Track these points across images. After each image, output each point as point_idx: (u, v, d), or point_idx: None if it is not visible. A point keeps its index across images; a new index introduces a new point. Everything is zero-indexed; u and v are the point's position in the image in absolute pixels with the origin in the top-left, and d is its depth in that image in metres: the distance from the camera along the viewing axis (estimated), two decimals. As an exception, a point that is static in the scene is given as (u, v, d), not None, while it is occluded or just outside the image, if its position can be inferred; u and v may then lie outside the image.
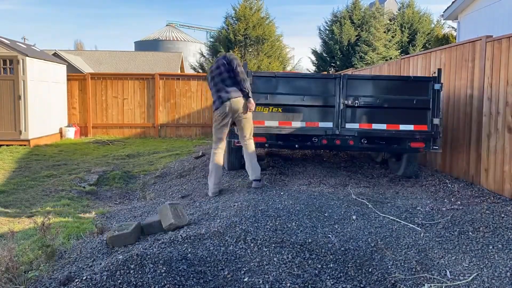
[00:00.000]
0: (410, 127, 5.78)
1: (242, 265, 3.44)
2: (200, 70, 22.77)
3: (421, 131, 5.77)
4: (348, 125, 5.75)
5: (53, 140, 11.85)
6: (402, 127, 5.79)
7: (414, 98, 5.76)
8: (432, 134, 5.74)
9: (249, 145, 5.51)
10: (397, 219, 4.46)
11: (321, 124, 5.77)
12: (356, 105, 5.70)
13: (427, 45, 23.62)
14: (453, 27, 19.85)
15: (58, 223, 4.76)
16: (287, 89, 5.77)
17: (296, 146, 5.96)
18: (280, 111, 5.73)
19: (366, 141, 5.85)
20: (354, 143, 5.83)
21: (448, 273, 3.40)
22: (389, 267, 3.49)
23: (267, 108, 5.72)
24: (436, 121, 5.72)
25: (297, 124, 5.74)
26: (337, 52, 24.04)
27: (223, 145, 5.52)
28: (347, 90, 5.71)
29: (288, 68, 24.48)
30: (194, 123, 13.77)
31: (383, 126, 5.78)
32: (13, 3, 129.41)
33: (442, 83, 5.80)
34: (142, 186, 7.21)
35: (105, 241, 3.94)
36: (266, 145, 5.93)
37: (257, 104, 5.68)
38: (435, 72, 5.89)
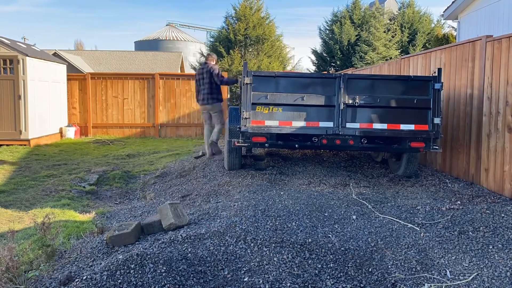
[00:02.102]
0: (411, 127, 5.78)
1: (242, 265, 3.44)
2: (200, 70, 22.73)
3: (422, 131, 5.77)
4: (348, 125, 5.74)
5: (53, 140, 11.85)
6: (403, 126, 5.78)
7: (415, 97, 5.76)
8: (433, 134, 5.74)
9: None
10: (397, 219, 4.46)
11: (322, 124, 5.76)
12: (356, 104, 5.70)
13: (427, 45, 23.62)
14: (453, 27, 19.84)
15: (58, 222, 4.76)
16: (287, 89, 5.76)
17: (296, 146, 5.96)
18: (281, 111, 5.72)
19: (366, 141, 5.85)
20: (354, 143, 5.83)
21: (448, 273, 3.41)
22: (389, 266, 3.49)
23: (267, 108, 5.72)
24: (437, 120, 5.71)
25: (297, 123, 5.74)
26: (337, 52, 24.04)
27: None
28: (347, 89, 5.71)
29: (288, 68, 24.46)
30: (194, 123, 13.77)
31: (384, 126, 5.78)
32: (19, 4, 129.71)
33: (442, 83, 5.80)
34: (142, 186, 7.21)
35: (105, 241, 3.94)
36: (266, 145, 5.94)
37: (257, 104, 5.68)
38: (435, 72, 5.89)
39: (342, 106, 5.69)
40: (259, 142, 5.84)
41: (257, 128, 5.66)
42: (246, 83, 5.63)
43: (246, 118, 5.64)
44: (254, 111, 5.67)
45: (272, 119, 5.72)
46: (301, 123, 5.73)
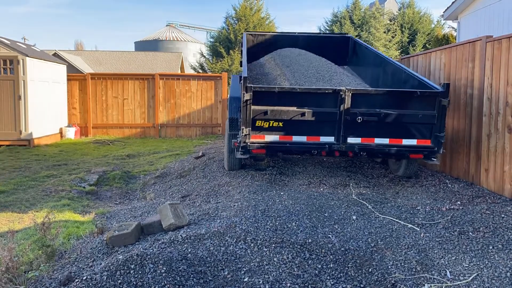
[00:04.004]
0: (413, 142, 5.61)
1: (242, 265, 3.44)
2: (200, 70, 22.77)
3: (424, 146, 5.60)
4: (350, 140, 5.55)
5: (53, 140, 11.85)
6: (405, 141, 5.60)
7: (420, 112, 5.53)
8: (434, 150, 5.59)
9: None
10: (397, 219, 4.46)
11: (322, 139, 5.58)
12: (359, 120, 5.47)
13: (427, 45, 23.63)
14: (453, 27, 19.85)
15: (58, 223, 4.76)
16: (288, 103, 5.52)
17: (295, 155, 5.95)
18: (281, 125, 5.51)
19: (365, 153, 5.73)
20: (353, 154, 5.76)
21: (448, 273, 3.41)
22: (389, 267, 3.49)
23: (267, 123, 5.49)
24: (440, 136, 5.54)
25: (298, 138, 5.55)
26: (337, 52, 24.02)
27: None
28: (349, 104, 5.47)
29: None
30: (194, 123, 13.77)
31: (385, 141, 5.59)
32: (30, 4, 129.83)
33: (449, 99, 5.59)
34: (142, 186, 7.21)
35: (105, 241, 3.94)
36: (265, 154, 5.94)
37: (257, 119, 5.46)
38: (441, 84, 5.68)
39: (343, 121, 5.48)
40: (259, 153, 5.81)
41: (257, 143, 5.49)
42: (246, 99, 5.33)
43: (246, 135, 5.42)
44: (254, 125, 5.45)
45: (272, 134, 5.52)
46: (302, 138, 5.55)
